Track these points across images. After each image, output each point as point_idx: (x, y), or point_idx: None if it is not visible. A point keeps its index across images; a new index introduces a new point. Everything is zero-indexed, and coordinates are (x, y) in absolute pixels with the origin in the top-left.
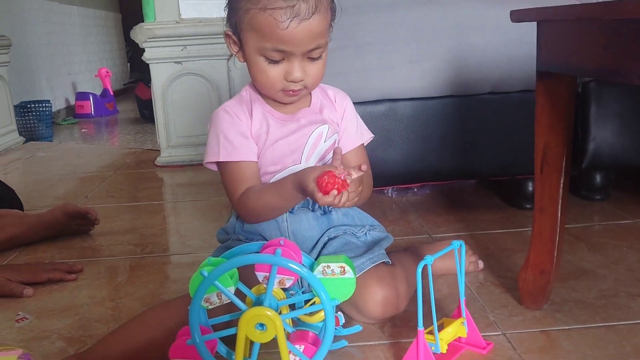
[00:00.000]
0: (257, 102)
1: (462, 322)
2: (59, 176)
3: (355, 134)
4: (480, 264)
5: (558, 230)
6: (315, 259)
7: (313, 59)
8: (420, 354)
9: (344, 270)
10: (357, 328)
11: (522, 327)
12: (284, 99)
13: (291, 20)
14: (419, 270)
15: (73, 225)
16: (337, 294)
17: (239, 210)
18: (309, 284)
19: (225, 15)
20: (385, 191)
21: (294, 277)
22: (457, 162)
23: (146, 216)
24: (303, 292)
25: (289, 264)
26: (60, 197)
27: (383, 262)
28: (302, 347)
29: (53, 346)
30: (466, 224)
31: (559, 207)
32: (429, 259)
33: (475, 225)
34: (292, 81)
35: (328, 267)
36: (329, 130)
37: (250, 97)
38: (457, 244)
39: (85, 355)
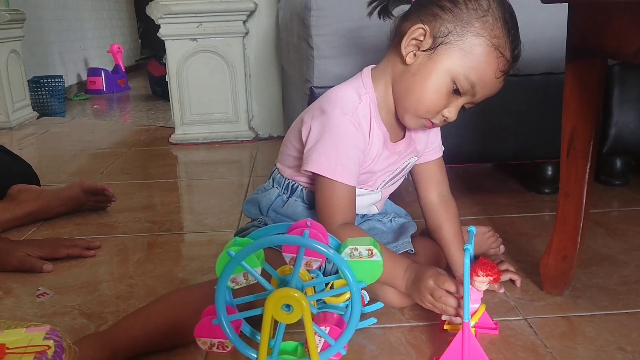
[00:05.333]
0: (376, 120)
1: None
2: (73, 152)
3: (439, 146)
4: (502, 248)
5: (582, 215)
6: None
7: (466, 108)
8: (466, 347)
9: (372, 252)
10: (378, 305)
11: (543, 312)
12: (416, 125)
13: (503, 74)
14: (467, 261)
15: (90, 201)
16: (364, 276)
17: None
18: (336, 266)
19: (430, 11)
20: None
21: (321, 259)
22: (477, 145)
23: (162, 194)
24: (324, 274)
25: (317, 246)
26: (75, 173)
27: (406, 250)
28: (328, 328)
29: (74, 322)
30: (484, 207)
31: (584, 192)
32: (469, 248)
33: (493, 208)
34: (445, 117)
35: (355, 249)
36: (415, 163)
37: (371, 110)
38: (473, 229)
39: (106, 333)
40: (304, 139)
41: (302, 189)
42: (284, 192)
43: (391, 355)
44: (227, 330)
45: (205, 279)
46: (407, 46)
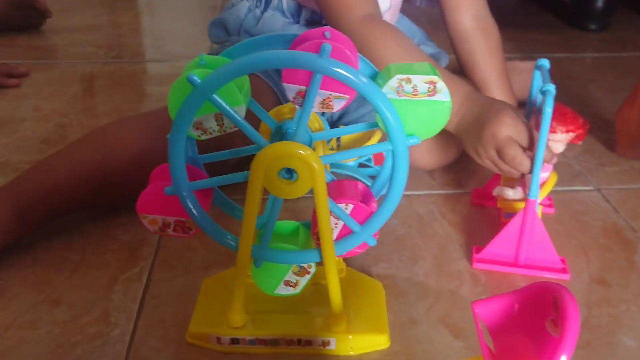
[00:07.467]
0: None
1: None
2: None
3: None
4: None
5: None
6: None
7: None
8: (527, 233)
9: (435, 87)
10: None
11: (620, 181)
12: None
13: None
14: (548, 109)
15: (18, 16)
16: (419, 126)
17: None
18: (374, 109)
19: None
20: None
21: (348, 96)
22: None
23: (113, 12)
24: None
25: (345, 72)
26: None
27: None
28: (350, 206)
29: None
30: (517, 44)
31: None
32: (551, 89)
33: (529, 46)
34: None
35: (407, 80)
36: None
37: None
38: (546, 62)
39: (7, 189)
40: None
41: None
42: (256, 5)
43: (423, 233)
44: (190, 205)
45: None
46: None
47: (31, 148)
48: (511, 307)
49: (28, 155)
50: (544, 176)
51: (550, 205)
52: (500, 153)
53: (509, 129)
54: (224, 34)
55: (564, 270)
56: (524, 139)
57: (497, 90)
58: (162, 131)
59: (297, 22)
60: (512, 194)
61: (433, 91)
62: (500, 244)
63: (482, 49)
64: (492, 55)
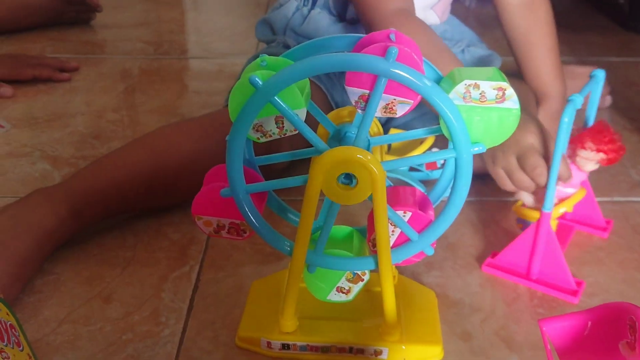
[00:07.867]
0: None
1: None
2: None
3: None
4: (608, 99)
5: None
6: None
7: None
8: (540, 241)
9: (504, 94)
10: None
11: None
12: None
13: None
14: (564, 119)
15: (69, 11)
16: (485, 133)
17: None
18: (439, 115)
19: None
20: None
21: (412, 101)
22: None
23: (161, 8)
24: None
25: (411, 77)
26: None
27: None
28: (408, 214)
29: (33, 167)
30: (571, 46)
31: None
32: (576, 100)
33: (583, 49)
34: None
35: (475, 87)
36: None
37: None
38: (601, 73)
39: (62, 187)
40: None
41: None
42: (304, 4)
43: (476, 241)
44: (246, 208)
45: None
46: None
47: (83, 143)
48: (582, 327)
49: (80, 151)
50: (569, 192)
51: (604, 229)
52: (521, 160)
53: (534, 137)
54: (270, 32)
55: (573, 293)
56: (547, 152)
57: (543, 73)
58: (212, 135)
59: (343, 20)
60: (529, 200)
61: (502, 98)
62: (513, 254)
63: (526, 24)
64: (537, 32)
